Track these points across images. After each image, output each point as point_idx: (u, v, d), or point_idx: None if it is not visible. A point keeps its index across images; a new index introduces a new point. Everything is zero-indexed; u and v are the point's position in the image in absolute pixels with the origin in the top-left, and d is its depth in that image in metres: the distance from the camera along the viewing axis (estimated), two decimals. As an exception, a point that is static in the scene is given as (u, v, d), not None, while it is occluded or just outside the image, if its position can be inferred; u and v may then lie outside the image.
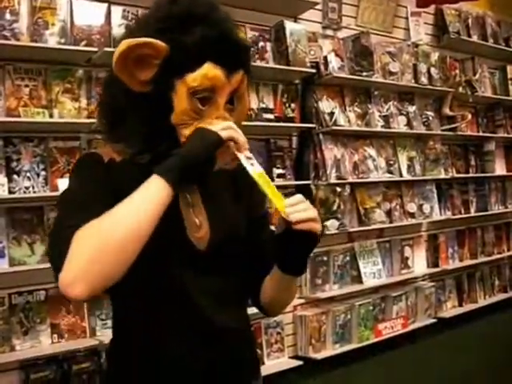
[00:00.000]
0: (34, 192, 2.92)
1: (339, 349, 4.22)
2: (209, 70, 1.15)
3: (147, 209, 1.08)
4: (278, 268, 1.26)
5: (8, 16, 2.84)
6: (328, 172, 4.13)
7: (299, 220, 1.13)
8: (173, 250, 1.21)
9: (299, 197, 1.18)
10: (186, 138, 1.16)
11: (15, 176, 2.90)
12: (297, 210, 1.14)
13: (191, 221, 1.24)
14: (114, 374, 1.30)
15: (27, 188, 2.92)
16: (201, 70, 1.15)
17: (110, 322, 2.99)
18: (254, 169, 1.17)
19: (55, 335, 2.99)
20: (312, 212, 1.16)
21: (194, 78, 1.15)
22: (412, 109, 4.88)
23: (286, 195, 4.04)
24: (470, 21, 5.40)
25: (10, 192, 2.86)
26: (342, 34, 4.47)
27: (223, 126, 1.15)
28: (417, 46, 4.94)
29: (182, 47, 1.14)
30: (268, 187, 1.18)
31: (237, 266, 1.32)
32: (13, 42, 2.83)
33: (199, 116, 1.17)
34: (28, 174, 2.93)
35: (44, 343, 2.95)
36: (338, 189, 4.21)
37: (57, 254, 1.07)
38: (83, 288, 1.02)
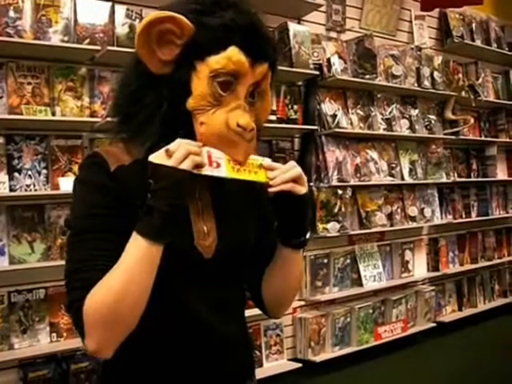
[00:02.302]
0: (35, 190, 2.92)
1: (338, 352, 4.21)
2: (233, 54, 1.11)
3: (141, 271, 1.07)
4: (280, 244, 1.26)
5: (12, 13, 2.83)
6: (330, 174, 4.12)
7: (279, 182, 1.14)
8: (177, 256, 1.16)
9: (285, 165, 1.18)
10: (152, 177, 1.07)
11: (16, 174, 2.89)
12: (277, 174, 1.15)
13: (199, 228, 1.21)
14: (109, 377, 1.28)
15: (28, 186, 2.91)
16: (225, 52, 1.11)
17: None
18: (221, 171, 1.11)
19: (54, 334, 2.98)
20: (292, 172, 1.17)
21: (218, 61, 1.11)
22: (414, 112, 4.87)
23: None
24: (473, 25, 5.40)
25: (11, 190, 2.85)
26: (345, 36, 4.46)
27: (177, 155, 1.06)
28: (420, 49, 4.93)
29: (208, 28, 1.11)
30: (245, 174, 1.14)
31: (240, 274, 1.30)
32: (16, 39, 2.83)
33: (218, 102, 1.12)
34: (29, 172, 2.93)
35: (43, 342, 2.94)
36: (340, 191, 4.21)
37: (75, 320, 1.10)
38: (109, 350, 1.09)
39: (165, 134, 1.12)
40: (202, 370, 1.21)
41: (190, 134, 1.12)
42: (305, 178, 1.21)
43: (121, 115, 1.21)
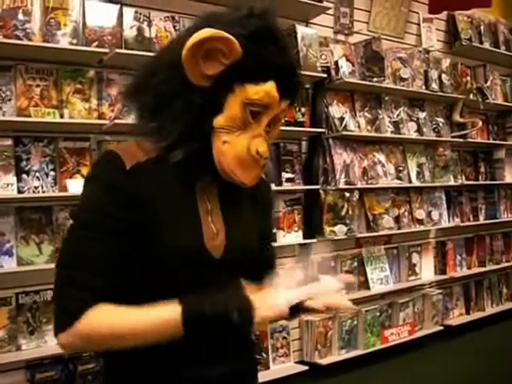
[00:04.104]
0: (43, 192, 2.93)
1: (345, 355, 4.21)
2: (272, 89, 1.18)
3: (153, 336, 1.13)
4: None
5: (21, 16, 2.85)
6: (337, 177, 4.12)
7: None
8: (187, 255, 1.19)
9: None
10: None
11: (24, 176, 2.90)
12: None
13: (209, 228, 1.23)
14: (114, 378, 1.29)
15: (36, 188, 2.92)
16: (265, 85, 1.17)
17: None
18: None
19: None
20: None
21: (257, 91, 1.17)
22: (422, 115, 4.86)
23: (295, 199, 4.03)
24: (482, 28, 5.38)
25: (19, 191, 2.86)
26: (353, 39, 4.46)
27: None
28: (428, 52, 4.92)
29: (255, 57, 1.16)
30: None
31: (247, 275, 1.31)
32: (25, 42, 2.84)
33: (244, 127, 1.19)
34: (37, 174, 2.94)
35: (50, 343, 2.94)
36: (347, 194, 4.21)
37: (61, 313, 1.14)
38: (73, 351, 1.22)
39: (183, 139, 1.17)
40: (206, 371, 1.22)
41: (205, 147, 1.19)
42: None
43: (142, 112, 1.24)
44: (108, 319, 1.12)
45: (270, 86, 1.18)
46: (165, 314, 1.11)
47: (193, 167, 1.21)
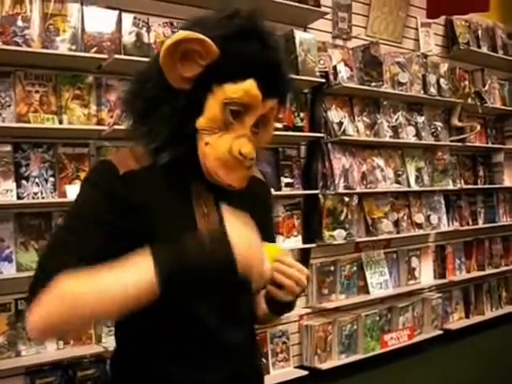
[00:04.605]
0: (43, 198, 2.93)
1: (345, 359, 4.20)
2: (251, 88, 1.15)
3: (125, 299, 1.05)
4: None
5: (20, 22, 2.85)
6: (336, 182, 4.13)
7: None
8: None
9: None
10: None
11: (24, 181, 2.91)
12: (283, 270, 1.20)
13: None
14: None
15: (35, 194, 2.92)
16: (244, 84, 1.15)
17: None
18: None
19: (61, 341, 2.98)
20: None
21: (235, 90, 1.15)
22: (421, 119, 4.87)
23: (294, 204, 4.01)
24: (479, 32, 5.40)
25: (19, 197, 2.87)
26: (351, 43, 4.47)
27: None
28: (426, 56, 4.94)
29: (232, 56, 1.15)
30: None
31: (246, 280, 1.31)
32: (24, 48, 2.85)
33: (226, 128, 1.17)
34: (37, 180, 2.94)
35: (49, 349, 2.95)
36: (346, 198, 4.21)
37: (34, 288, 1.07)
38: (40, 338, 1.23)
39: (170, 142, 1.17)
40: (211, 377, 1.21)
41: (192, 149, 1.18)
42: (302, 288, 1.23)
43: (134, 117, 1.25)
44: (72, 285, 1.04)
45: (249, 84, 1.15)
46: (136, 270, 1.04)
47: (182, 171, 1.21)
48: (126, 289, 1.03)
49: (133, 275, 1.04)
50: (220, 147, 1.16)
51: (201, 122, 1.17)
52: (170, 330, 1.20)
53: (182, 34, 1.13)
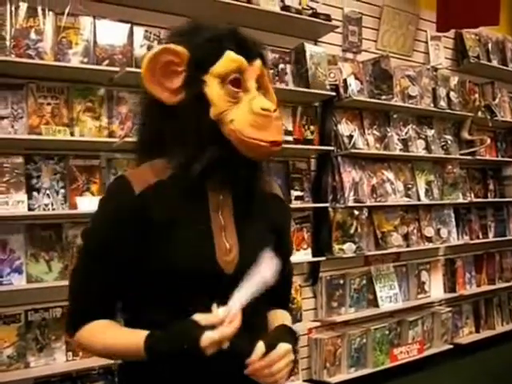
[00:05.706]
0: (53, 209, 2.94)
1: (354, 373, 4.18)
2: (231, 55, 1.23)
3: (120, 355, 1.26)
4: None
5: (33, 35, 2.87)
6: (346, 195, 4.12)
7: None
8: (198, 270, 1.20)
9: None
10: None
11: (35, 193, 2.92)
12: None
13: (222, 244, 1.24)
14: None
15: (46, 205, 2.93)
16: (224, 56, 1.22)
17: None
18: None
19: (70, 353, 2.98)
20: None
21: (221, 65, 1.22)
22: (431, 132, 4.87)
23: (304, 217, 3.98)
24: (489, 45, 5.40)
25: (30, 209, 2.87)
26: (361, 57, 4.48)
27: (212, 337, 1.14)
28: (436, 69, 4.94)
29: (201, 44, 1.23)
30: None
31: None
32: (37, 60, 2.87)
33: (236, 100, 1.22)
34: (48, 192, 2.95)
35: (59, 361, 2.95)
36: (356, 212, 4.21)
37: (73, 322, 1.29)
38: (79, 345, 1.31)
39: (197, 155, 1.21)
40: None
41: (218, 144, 1.21)
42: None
43: (146, 149, 1.33)
44: (91, 336, 1.25)
45: (227, 54, 1.22)
46: (130, 343, 1.19)
47: (206, 177, 1.23)
48: (121, 349, 1.22)
49: (128, 341, 1.21)
50: (242, 113, 1.21)
51: (213, 111, 1.22)
52: None
53: (150, 54, 1.23)
